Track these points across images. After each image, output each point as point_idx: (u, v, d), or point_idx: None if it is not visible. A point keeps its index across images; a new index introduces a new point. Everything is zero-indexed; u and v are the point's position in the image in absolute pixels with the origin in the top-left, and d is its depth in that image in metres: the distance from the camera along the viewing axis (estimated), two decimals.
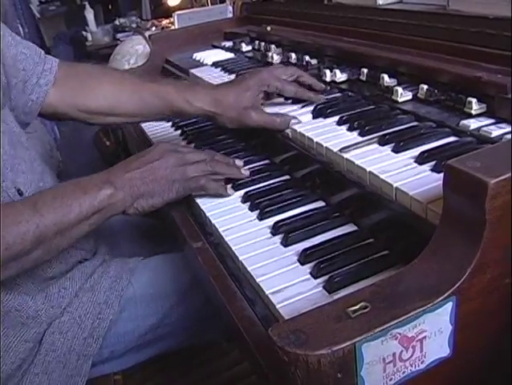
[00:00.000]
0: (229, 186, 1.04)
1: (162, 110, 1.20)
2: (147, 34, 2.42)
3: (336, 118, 1.03)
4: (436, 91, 1.00)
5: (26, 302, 0.99)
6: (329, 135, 0.97)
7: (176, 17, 2.60)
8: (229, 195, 1.03)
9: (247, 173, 1.08)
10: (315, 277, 0.76)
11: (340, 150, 0.89)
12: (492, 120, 0.88)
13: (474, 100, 0.91)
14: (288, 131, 1.06)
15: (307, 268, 0.78)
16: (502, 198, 0.55)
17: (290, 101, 1.18)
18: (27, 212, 0.84)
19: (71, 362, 1.04)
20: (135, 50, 2.39)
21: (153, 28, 4.71)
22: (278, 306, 0.71)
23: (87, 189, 0.91)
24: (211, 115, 1.15)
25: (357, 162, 0.85)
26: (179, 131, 1.43)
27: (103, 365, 1.12)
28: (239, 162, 1.10)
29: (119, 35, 4.78)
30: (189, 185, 1.00)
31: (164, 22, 4.84)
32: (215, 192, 1.02)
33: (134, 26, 4.98)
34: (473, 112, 0.91)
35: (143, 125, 1.52)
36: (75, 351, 1.04)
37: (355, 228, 0.86)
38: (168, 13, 5.06)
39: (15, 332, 0.99)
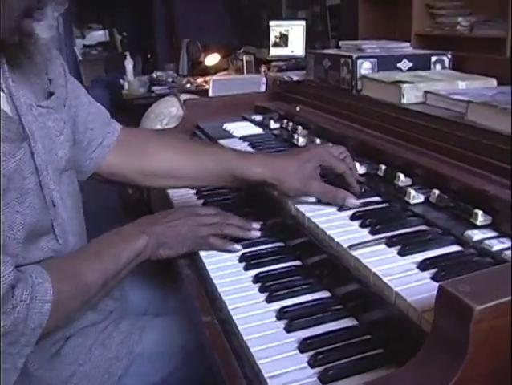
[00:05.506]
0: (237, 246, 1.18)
1: (222, 175, 1.25)
2: (182, 97, 2.53)
3: (350, 212, 1.08)
4: (446, 197, 1.03)
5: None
6: (341, 229, 1.01)
7: (212, 82, 2.73)
8: (235, 250, 1.16)
9: (257, 234, 1.20)
10: (312, 367, 0.80)
11: (350, 247, 0.94)
12: (495, 233, 0.92)
13: (480, 212, 0.95)
14: (304, 220, 1.11)
15: (306, 356, 0.82)
16: (488, 323, 0.59)
17: None
18: (96, 262, 1.04)
19: None
20: (168, 111, 2.50)
21: (188, 85, 4.87)
22: None
23: (130, 239, 1.11)
24: (272, 182, 1.18)
25: (364, 261, 0.89)
26: (201, 201, 1.49)
27: None
28: (256, 225, 1.21)
29: (154, 88, 4.93)
30: (200, 242, 1.17)
31: (200, 79, 5.00)
32: (220, 249, 1.17)
33: (170, 80, 5.14)
34: (479, 223, 0.94)
35: (168, 190, 1.58)
36: None
37: (355, 322, 0.90)
38: (204, 71, 5.24)
39: None
